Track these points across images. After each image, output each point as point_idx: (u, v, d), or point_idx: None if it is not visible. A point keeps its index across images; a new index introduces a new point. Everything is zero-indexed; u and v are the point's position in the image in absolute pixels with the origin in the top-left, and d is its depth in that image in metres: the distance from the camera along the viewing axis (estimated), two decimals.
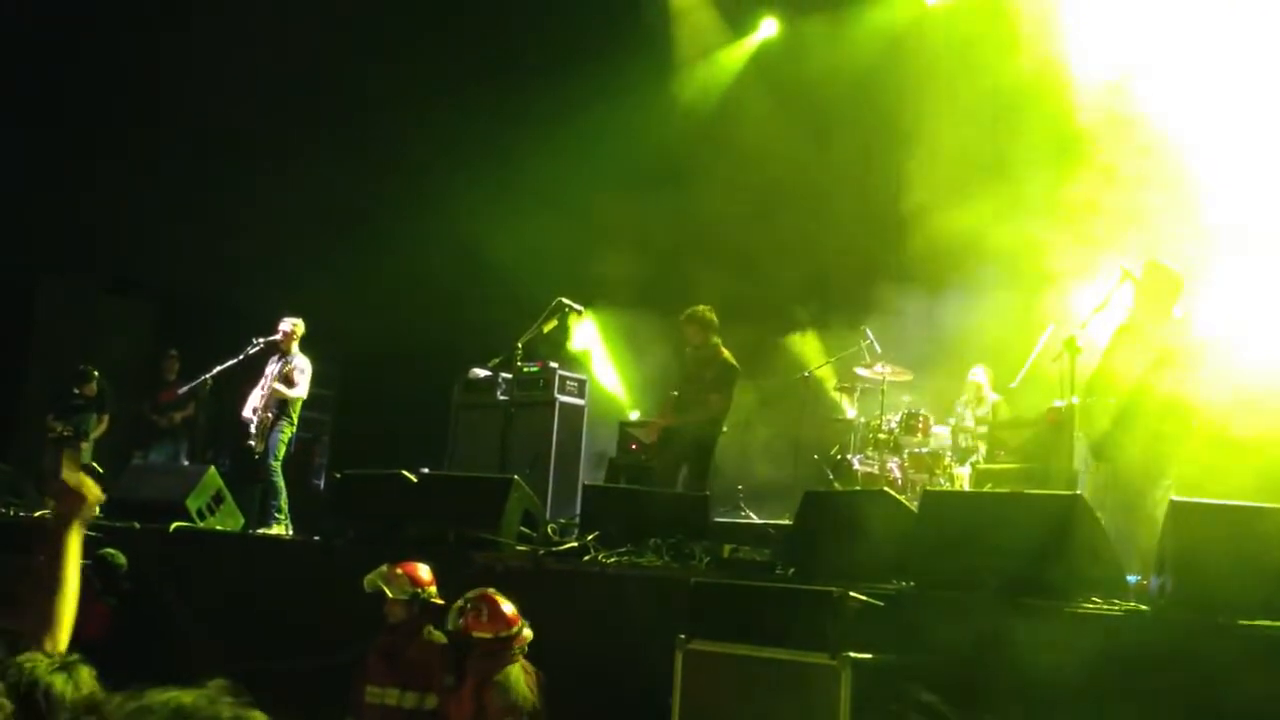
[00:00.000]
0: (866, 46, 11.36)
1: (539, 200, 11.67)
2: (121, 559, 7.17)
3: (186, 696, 1.75)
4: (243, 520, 8.48)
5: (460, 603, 5.28)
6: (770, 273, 11.07)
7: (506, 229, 11.30)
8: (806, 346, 10.81)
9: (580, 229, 11.51)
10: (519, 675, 5.15)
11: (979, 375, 10.09)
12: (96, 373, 11.49)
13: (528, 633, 5.26)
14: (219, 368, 9.75)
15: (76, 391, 11.38)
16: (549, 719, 5.20)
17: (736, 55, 12.71)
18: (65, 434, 11.21)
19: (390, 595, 5.61)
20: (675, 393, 8.94)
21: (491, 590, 5.30)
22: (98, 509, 3.20)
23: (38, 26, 11.30)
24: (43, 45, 11.33)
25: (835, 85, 11.10)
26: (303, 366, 9.56)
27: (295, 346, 9.63)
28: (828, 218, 11.15)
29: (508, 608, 5.24)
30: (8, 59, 11.06)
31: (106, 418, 11.51)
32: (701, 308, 8.70)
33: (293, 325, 9.64)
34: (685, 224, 11.78)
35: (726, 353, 8.67)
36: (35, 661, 2.45)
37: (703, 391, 8.59)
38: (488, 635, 5.16)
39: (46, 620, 2.84)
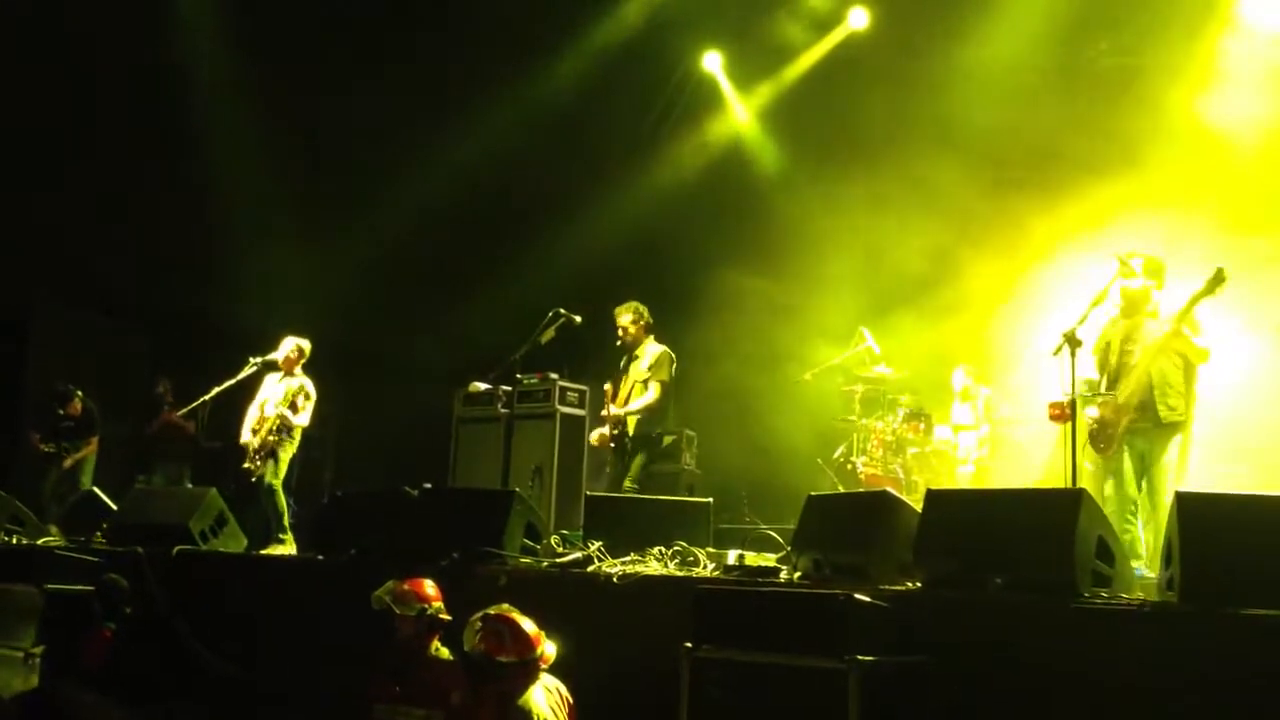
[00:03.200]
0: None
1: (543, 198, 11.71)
2: (123, 583, 7.14)
3: None
4: (245, 541, 8.46)
5: (476, 623, 5.10)
6: (766, 277, 11.09)
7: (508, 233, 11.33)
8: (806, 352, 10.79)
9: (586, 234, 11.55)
10: (543, 699, 5.01)
11: (960, 375, 10.11)
12: (80, 392, 11.46)
13: (550, 651, 5.14)
14: (217, 388, 9.74)
15: (61, 413, 11.36)
16: None
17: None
18: (49, 450, 11.19)
19: (398, 612, 5.58)
20: (607, 385, 8.86)
21: (508, 609, 5.16)
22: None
23: (31, 51, 11.33)
24: (38, 68, 11.35)
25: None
26: (309, 392, 9.48)
27: (299, 369, 9.56)
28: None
29: (529, 627, 5.10)
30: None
31: (94, 439, 11.49)
32: (635, 303, 8.74)
33: (296, 346, 9.54)
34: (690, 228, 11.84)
35: (657, 342, 8.69)
36: None
37: (642, 382, 8.55)
38: (513, 659, 5.01)
39: None
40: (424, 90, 11.93)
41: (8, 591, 7.26)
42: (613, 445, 8.60)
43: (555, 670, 5.23)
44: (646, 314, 8.73)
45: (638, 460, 8.50)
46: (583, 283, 10.72)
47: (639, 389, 8.57)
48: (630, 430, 8.55)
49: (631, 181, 12.33)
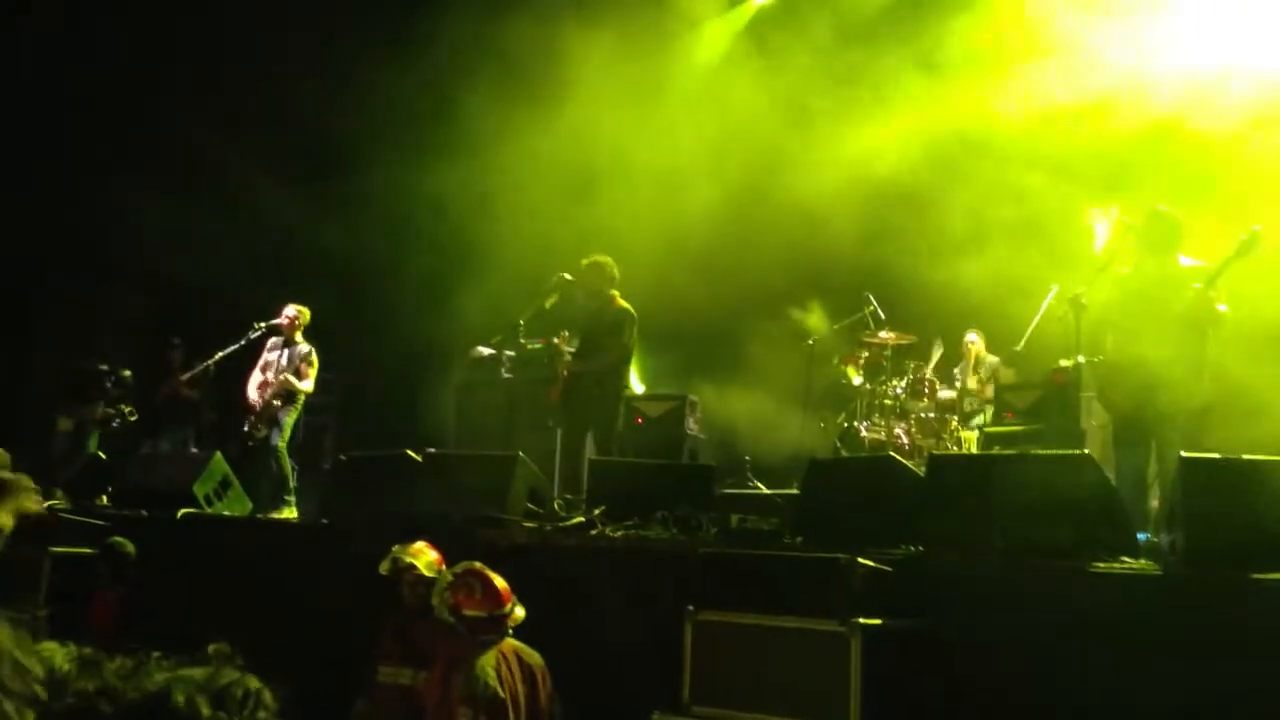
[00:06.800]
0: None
1: (537, 173, 11.57)
2: (130, 547, 7.17)
3: (197, 672, 1.73)
4: (250, 505, 8.48)
5: (446, 576, 5.06)
6: (770, 244, 10.99)
7: (507, 204, 11.24)
8: (810, 318, 10.76)
9: (577, 202, 11.41)
10: (489, 662, 4.88)
11: (969, 341, 10.11)
12: (105, 367, 11.48)
13: (519, 611, 5.00)
14: (221, 353, 9.80)
15: (88, 380, 11.38)
16: (540, 702, 5.00)
17: (729, 24, 12.58)
18: (109, 414, 11.23)
19: (405, 576, 5.57)
20: (557, 338, 8.68)
21: (480, 565, 5.07)
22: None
23: (34, 18, 11.28)
24: (38, 38, 11.30)
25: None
26: (311, 359, 9.54)
27: (300, 335, 9.62)
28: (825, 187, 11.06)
29: (500, 584, 4.98)
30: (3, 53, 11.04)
31: (101, 405, 11.52)
32: (605, 257, 8.50)
33: (297, 312, 9.62)
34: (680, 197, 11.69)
35: (622, 300, 8.44)
36: (51, 652, 2.42)
37: (600, 339, 8.38)
38: (481, 614, 4.90)
39: None
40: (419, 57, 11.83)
41: (12, 554, 7.29)
42: (564, 401, 8.42)
43: (558, 632, 5.23)
44: (614, 270, 8.48)
45: (604, 425, 8.33)
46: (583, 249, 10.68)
47: (597, 346, 8.38)
48: (583, 387, 8.33)
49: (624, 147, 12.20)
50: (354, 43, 11.97)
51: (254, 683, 1.73)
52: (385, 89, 12.08)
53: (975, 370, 10.12)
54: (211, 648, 1.76)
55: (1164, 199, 6.89)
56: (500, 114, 11.53)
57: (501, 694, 4.84)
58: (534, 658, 5.06)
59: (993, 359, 10.08)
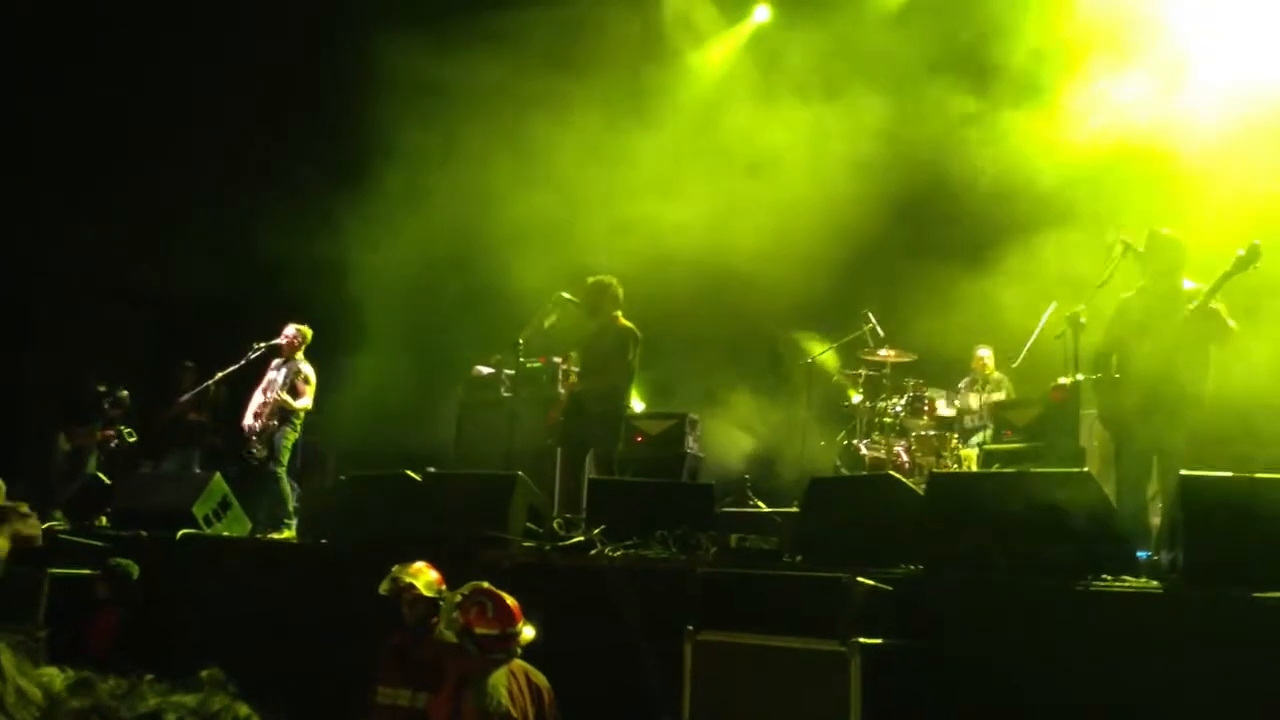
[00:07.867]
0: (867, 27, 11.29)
1: (542, 192, 11.63)
2: (133, 568, 7.15)
3: (189, 698, 1.73)
4: (250, 525, 8.47)
5: (455, 597, 5.07)
6: (773, 257, 11.01)
7: (510, 222, 11.27)
8: (809, 337, 10.78)
9: (585, 223, 11.47)
10: (501, 680, 4.89)
11: (984, 355, 10.11)
12: (104, 387, 11.48)
13: (529, 631, 5.02)
14: (222, 373, 9.80)
15: (86, 400, 11.37)
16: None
17: (729, 43, 12.64)
18: (109, 434, 11.21)
19: (405, 596, 5.55)
20: (559, 358, 8.69)
21: (488, 584, 5.08)
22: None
23: (36, 27, 11.31)
24: (41, 49, 11.35)
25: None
26: (308, 375, 9.51)
27: (301, 354, 9.60)
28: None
29: (511, 602, 5.00)
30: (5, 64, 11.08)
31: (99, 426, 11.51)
32: (609, 277, 8.48)
33: (297, 331, 9.60)
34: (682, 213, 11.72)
35: (625, 320, 8.40)
36: (50, 677, 2.41)
37: (604, 358, 8.35)
38: (493, 632, 4.92)
39: None
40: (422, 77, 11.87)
41: (10, 575, 7.28)
42: (565, 420, 8.43)
43: (558, 652, 5.21)
44: (618, 290, 8.43)
45: (604, 445, 8.31)
46: (584, 268, 10.70)
47: (599, 366, 8.36)
48: (584, 406, 8.31)
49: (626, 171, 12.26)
50: (365, 58, 12.02)
51: (244, 710, 1.72)
52: (389, 112, 12.15)
53: (982, 387, 10.10)
54: (204, 673, 1.76)
55: (1162, 221, 6.90)
56: (498, 129, 11.59)
57: (514, 713, 4.85)
58: (540, 678, 5.06)
59: (998, 376, 10.07)
